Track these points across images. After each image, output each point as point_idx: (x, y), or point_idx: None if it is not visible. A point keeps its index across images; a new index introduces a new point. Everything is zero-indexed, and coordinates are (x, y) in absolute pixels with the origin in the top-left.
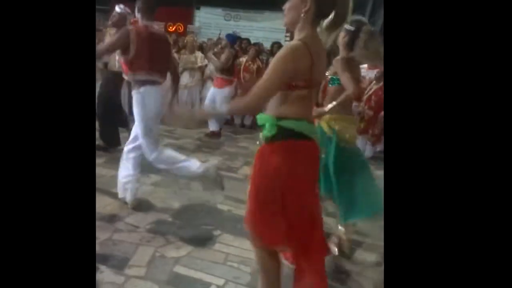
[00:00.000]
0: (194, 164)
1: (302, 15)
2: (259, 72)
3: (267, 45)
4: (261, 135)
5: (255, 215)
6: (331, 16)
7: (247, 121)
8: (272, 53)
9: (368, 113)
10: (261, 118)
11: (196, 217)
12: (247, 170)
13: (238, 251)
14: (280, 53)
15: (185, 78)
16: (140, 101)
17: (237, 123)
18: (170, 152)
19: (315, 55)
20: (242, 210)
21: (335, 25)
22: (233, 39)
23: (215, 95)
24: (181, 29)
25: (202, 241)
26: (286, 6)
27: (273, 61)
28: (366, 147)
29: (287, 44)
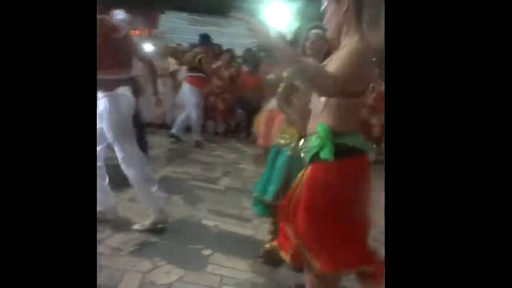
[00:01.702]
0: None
1: (342, 18)
2: (232, 79)
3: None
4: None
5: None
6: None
7: (220, 129)
8: (245, 60)
9: None
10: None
11: (181, 236)
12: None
13: (232, 273)
14: (357, 50)
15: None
16: (116, 104)
17: (210, 131)
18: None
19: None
20: (229, 225)
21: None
22: (206, 39)
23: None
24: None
25: (193, 263)
26: (327, 17)
27: (349, 56)
28: None
29: (356, 44)
